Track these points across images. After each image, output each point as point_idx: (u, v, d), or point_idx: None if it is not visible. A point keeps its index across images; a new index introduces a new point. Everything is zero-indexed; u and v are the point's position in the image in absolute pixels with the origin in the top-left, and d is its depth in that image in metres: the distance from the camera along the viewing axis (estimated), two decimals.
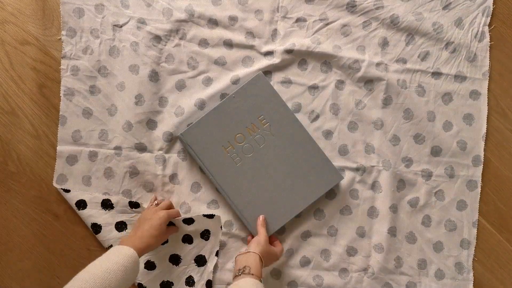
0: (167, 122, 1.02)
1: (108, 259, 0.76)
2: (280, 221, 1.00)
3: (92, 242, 1.02)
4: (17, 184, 1.02)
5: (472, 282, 1.04)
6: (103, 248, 1.00)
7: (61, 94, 1.01)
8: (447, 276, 1.04)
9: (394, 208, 1.03)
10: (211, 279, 1.00)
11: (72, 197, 0.99)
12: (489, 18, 1.07)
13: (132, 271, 0.78)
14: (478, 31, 1.07)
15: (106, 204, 0.99)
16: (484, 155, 1.06)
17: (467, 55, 1.07)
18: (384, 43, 1.06)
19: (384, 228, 1.02)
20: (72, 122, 1.01)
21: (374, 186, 1.04)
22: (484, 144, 1.06)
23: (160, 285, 1.00)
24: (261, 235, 0.94)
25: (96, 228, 0.99)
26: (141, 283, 0.99)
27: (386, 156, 1.04)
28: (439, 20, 1.06)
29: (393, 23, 1.06)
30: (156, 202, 0.97)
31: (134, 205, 1.00)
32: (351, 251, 1.03)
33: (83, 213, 0.99)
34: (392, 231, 1.03)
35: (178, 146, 1.03)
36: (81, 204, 0.99)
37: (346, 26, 1.06)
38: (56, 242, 1.01)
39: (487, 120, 1.06)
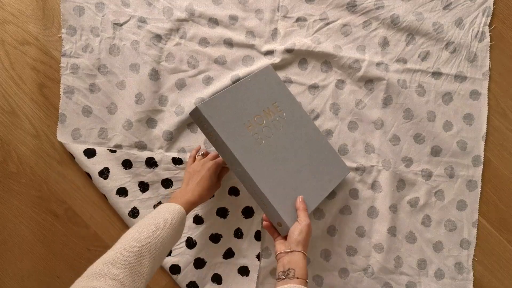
0: (167, 121, 1.02)
1: (156, 217, 0.77)
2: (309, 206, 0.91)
3: (92, 242, 1.01)
4: (17, 184, 1.02)
5: (472, 282, 1.04)
6: (103, 248, 1.00)
7: (60, 92, 1.01)
8: (447, 276, 1.03)
9: (394, 208, 1.03)
10: (260, 229, 1.02)
11: (119, 157, 1.01)
12: (489, 18, 1.07)
13: (179, 227, 0.80)
14: (478, 31, 1.07)
15: (150, 163, 1.01)
16: (484, 155, 1.06)
17: (467, 55, 1.07)
18: (385, 43, 1.06)
19: (384, 228, 1.02)
20: (72, 120, 1.01)
21: (374, 186, 1.04)
22: (484, 144, 1.06)
23: (209, 238, 1.02)
24: (303, 222, 0.83)
25: (144, 186, 1.01)
26: (190, 237, 1.01)
27: (386, 156, 1.04)
28: (440, 20, 1.06)
29: (394, 23, 1.06)
30: (202, 153, 0.98)
31: (177, 161, 1.02)
32: (351, 251, 1.03)
33: (129, 172, 1.01)
34: (392, 231, 1.03)
35: (178, 145, 1.03)
36: (127, 163, 1.01)
37: (347, 26, 1.06)
38: (56, 242, 1.01)
39: (487, 120, 1.06)
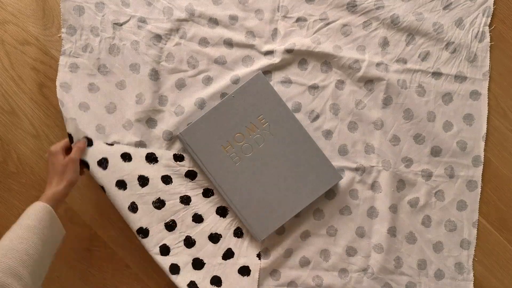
0: (167, 121, 1.02)
1: (19, 225, 0.73)
2: (279, 220, 1.00)
3: (92, 242, 1.01)
4: (17, 184, 1.01)
5: (472, 283, 1.04)
6: (103, 248, 1.00)
7: (57, 84, 0.99)
8: (447, 276, 1.03)
9: (394, 208, 1.03)
10: None
11: (117, 149, 0.99)
12: (489, 19, 1.07)
13: (49, 225, 0.76)
14: (478, 31, 1.07)
15: (151, 158, 1.00)
16: (484, 155, 1.06)
17: (468, 55, 1.07)
18: (385, 43, 1.06)
19: (383, 228, 1.02)
20: (69, 110, 0.99)
21: (373, 186, 1.04)
22: (484, 144, 1.06)
23: (208, 237, 1.01)
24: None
25: (144, 180, 0.99)
26: (189, 236, 1.01)
27: (386, 156, 1.04)
28: (440, 20, 1.06)
29: (394, 23, 1.06)
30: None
31: (178, 158, 1.01)
32: (350, 251, 1.03)
33: (129, 165, 0.99)
34: (392, 231, 1.03)
35: (178, 145, 1.03)
36: (126, 156, 0.99)
37: (347, 26, 1.06)
38: None
39: (487, 120, 1.06)
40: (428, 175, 1.05)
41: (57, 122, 1.02)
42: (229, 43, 1.05)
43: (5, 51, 1.02)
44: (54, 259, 0.81)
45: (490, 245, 1.05)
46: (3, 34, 1.02)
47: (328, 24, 1.06)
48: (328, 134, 1.05)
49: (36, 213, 0.76)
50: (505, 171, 1.06)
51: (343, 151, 1.04)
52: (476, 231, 1.05)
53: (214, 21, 1.05)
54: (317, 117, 1.05)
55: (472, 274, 1.04)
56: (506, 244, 1.06)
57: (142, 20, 1.03)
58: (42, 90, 1.02)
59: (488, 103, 1.06)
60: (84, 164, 0.96)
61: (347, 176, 1.03)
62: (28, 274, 0.66)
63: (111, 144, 1.00)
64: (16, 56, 1.02)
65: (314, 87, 1.05)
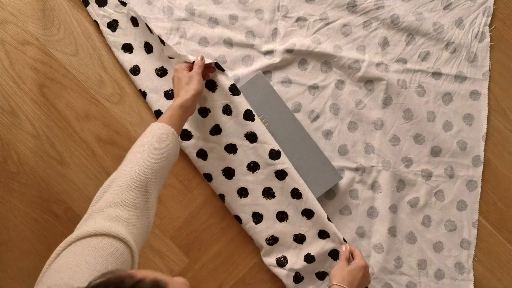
0: None
1: (151, 144, 0.75)
2: None
3: None
4: (17, 184, 1.02)
5: (472, 282, 1.04)
6: None
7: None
8: (447, 276, 1.03)
9: (394, 208, 1.03)
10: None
11: (127, 14, 1.02)
12: (489, 19, 1.07)
13: (174, 150, 0.79)
14: (478, 31, 1.07)
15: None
16: (484, 155, 1.06)
17: (468, 55, 1.06)
18: (385, 43, 1.06)
19: (384, 228, 1.02)
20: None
21: (373, 186, 1.04)
22: (484, 144, 1.06)
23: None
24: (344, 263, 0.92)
25: (149, 47, 1.02)
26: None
27: (386, 156, 1.04)
28: (440, 20, 1.06)
29: (394, 23, 1.06)
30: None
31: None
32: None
33: (137, 29, 1.01)
34: (392, 231, 1.02)
35: None
36: (134, 20, 1.02)
37: (347, 26, 1.06)
38: (56, 242, 0.98)
39: (487, 120, 1.06)
40: (428, 175, 1.05)
41: (57, 122, 1.02)
42: (229, 43, 1.04)
43: (5, 51, 1.02)
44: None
45: (490, 245, 1.05)
46: (3, 34, 1.02)
47: (328, 24, 1.06)
48: (328, 134, 1.04)
49: (161, 133, 0.78)
50: (505, 171, 1.06)
51: (343, 151, 1.04)
52: (476, 231, 1.04)
53: (214, 21, 1.04)
54: (317, 117, 1.05)
55: (472, 274, 1.04)
56: (506, 244, 1.06)
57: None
58: (42, 90, 1.02)
59: (488, 103, 1.06)
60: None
61: (347, 176, 1.03)
62: (153, 187, 0.71)
63: (124, 4, 1.02)
64: (16, 56, 1.02)
65: (314, 87, 1.05)
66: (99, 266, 0.53)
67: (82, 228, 0.59)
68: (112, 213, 0.62)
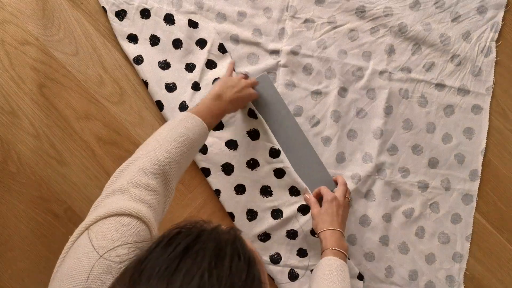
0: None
1: (180, 133, 0.74)
2: None
3: None
4: (17, 184, 1.00)
5: None
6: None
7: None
8: None
9: (387, 218, 1.02)
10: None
11: (138, 6, 1.01)
12: (497, 34, 1.07)
13: (201, 141, 0.79)
14: (485, 46, 1.07)
15: (168, 19, 1.01)
16: (484, 155, 1.05)
17: (472, 69, 1.06)
18: (391, 51, 1.05)
19: (375, 237, 1.02)
20: None
21: (367, 194, 1.03)
22: (485, 144, 1.06)
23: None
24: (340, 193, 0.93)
25: (155, 39, 1.01)
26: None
27: (383, 166, 1.04)
28: (447, 32, 1.06)
29: (401, 32, 1.05)
30: (243, 72, 0.98)
31: (192, 24, 1.02)
32: None
33: (144, 21, 1.01)
34: (384, 240, 1.02)
35: None
36: (145, 12, 1.01)
37: (354, 31, 1.05)
38: (56, 242, 1.00)
39: (487, 120, 1.06)
40: (424, 186, 1.05)
41: (57, 122, 1.01)
42: (235, 39, 1.03)
43: (5, 51, 1.00)
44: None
45: (490, 245, 1.05)
46: (3, 34, 1.00)
47: (335, 27, 1.05)
48: (327, 140, 1.03)
49: (198, 133, 0.77)
50: (505, 171, 1.07)
51: (340, 159, 1.03)
52: (469, 245, 1.05)
53: (222, 16, 1.02)
54: (318, 122, 1.04)
55: None
56: (506, 244, 1.06)
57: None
58: (42, 90, 1.01)
59: (488, 103, 1.06)
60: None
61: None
62: (174, 178, 0.69)
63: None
64: (16, 56, 1.01)
65: (317, 93, 1.04)
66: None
67: (108, 206, 0.56)
68: (136, 193, 0.59)
